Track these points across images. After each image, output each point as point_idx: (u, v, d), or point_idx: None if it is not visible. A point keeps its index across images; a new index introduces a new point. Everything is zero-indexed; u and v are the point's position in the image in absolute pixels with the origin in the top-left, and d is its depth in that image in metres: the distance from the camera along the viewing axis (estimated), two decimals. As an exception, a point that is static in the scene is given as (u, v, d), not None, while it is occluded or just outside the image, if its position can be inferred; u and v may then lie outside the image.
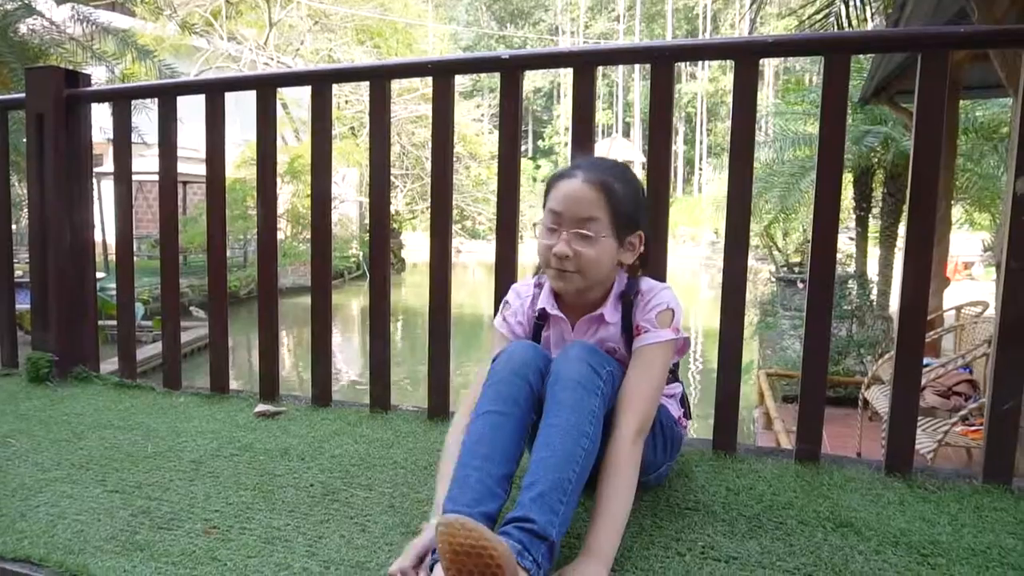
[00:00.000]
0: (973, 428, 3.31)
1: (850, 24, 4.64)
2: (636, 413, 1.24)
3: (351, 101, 19.50)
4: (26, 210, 2.47)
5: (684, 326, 1.37)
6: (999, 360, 1.55)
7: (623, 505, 1.16)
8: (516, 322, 1.44)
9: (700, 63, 33.17)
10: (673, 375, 1.47)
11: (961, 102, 5.85)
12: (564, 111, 37.13)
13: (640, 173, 1.58)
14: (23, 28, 7.14)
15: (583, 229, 1.27)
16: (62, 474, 1.57)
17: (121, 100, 2.34)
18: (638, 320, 1.33)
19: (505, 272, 1.88)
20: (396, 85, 17.90)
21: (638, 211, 1.35)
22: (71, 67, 2.97)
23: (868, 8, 4.67)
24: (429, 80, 1.95)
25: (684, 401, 1.54)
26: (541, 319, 1.42)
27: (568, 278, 1.30)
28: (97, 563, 1.18)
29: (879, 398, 3.76)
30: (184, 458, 1.67)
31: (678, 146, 37.50)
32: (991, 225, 10.21)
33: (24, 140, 2.37)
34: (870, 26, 5.03)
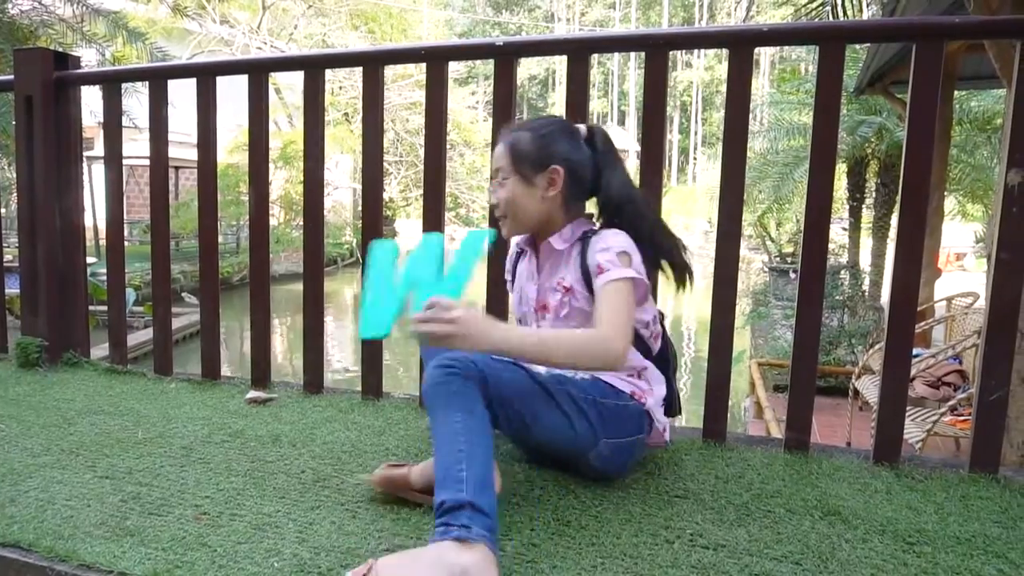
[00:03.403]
0: (962, 418, 3.34)
1: (845, 13, 4.63)
2: (605, 324, 1.29)
3: (345, 87, 19.36)
4: (15, 194, 2.45)
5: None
6: (987, 351, 1.56)
7: (543, 337, 1.30)
8: (509, 268, 1.67)
9: (696, 51, 33.09)
10: (651, 354, 1.51)
11: (956, 93, 5.85)
12: (559, 98, 36.97)
13: (635, 162, 1.60)
14: (12, 9, 7.04)
15: (496, 179, 1.48)
16: (52, 459, 1.57)
17: (111, 83, 2.32)
18: (597, 260, 1.36)
19: (498, 259, 1.87)
20: (390, 71, 17.72)
21: (544, 149, 1.43)
22: (61, 49, 2.93)
23: (864, -2, 4.65)
24: (423, 66, 1.93)
25: (668, 401, 1.54)
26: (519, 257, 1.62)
27: (504, 223, 1.48)
28: (87, 548, 1.18)
29: (869, 388, 3.78)
30: (175, 444, 1.66)
31: (673, 135, 37.45)
32: (983, 216, 10.26)
33: (13, 123, 2.34)
34: (866, 15, 5.01)
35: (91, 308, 2.55)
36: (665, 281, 1.51)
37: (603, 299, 1.33)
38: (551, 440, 1.38)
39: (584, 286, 1.41)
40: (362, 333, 1.24)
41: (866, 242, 8.67)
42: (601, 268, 1.35)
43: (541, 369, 1.34)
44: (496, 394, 1.24)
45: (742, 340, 7.87)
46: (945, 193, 6.08)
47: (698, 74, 36.89)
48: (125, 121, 2.36)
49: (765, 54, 30.41)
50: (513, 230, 1.50)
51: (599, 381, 1.42)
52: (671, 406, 1.56)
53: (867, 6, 4.83)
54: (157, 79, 2.22)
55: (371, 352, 2.05)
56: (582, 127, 1.51)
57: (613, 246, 1.37)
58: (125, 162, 2.38)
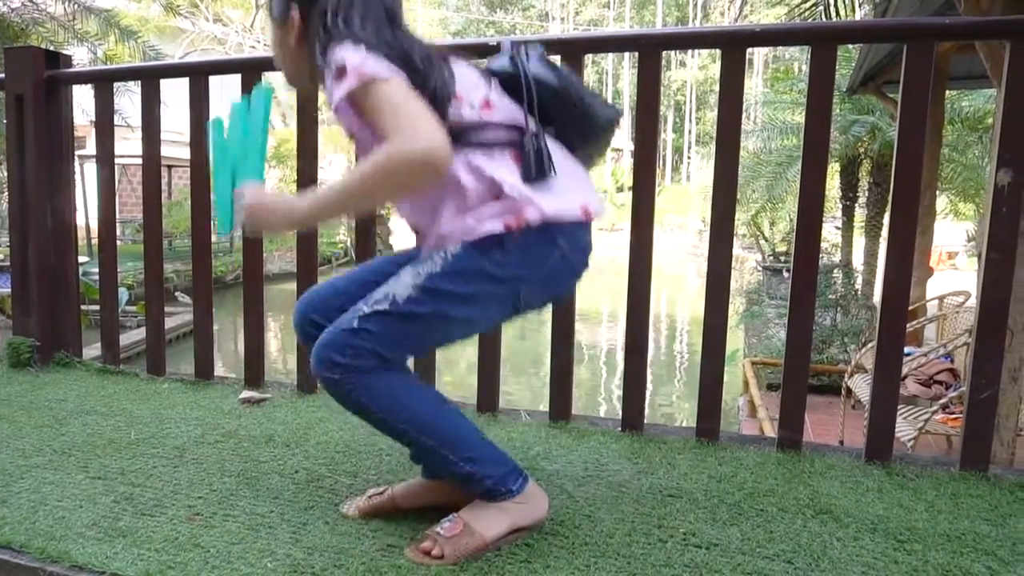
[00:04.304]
0: (953, 416, 3.36)
1: (838, 13, 4.64)
2: (389, 134, 1.06)
3: (339, 85, 19.30)
4: (7, 193, 2.44)
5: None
6: (978, 349, 1.57)
7: (345, 182, 1.11)
8: None
9: (690, 51, 33.12)
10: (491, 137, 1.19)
11: (947, 92, 5.88)
12: (553, 98, 36.86)
13: (629, 161, 1.59)
14: (3, 7, 7.00)
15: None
16: (44, 460, 1.56)
17: (103, 82, 2.31)
18: (332, 91, 1.14)
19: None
20: (384, 69, 17.63)
21: None
22: (52, 47, 2.92)
23: (856, -3, 4.67)
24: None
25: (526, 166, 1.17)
26: None
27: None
28: (79, 549, 1.17)
29: (862, 386, 3.80)
30: (168, 445, 1.66)
31: (667, 134, 37.51)
32: (975, 215, 10.31)
33: (4, 122, 2.33)
34: (858, 15, 5.04)
35: (83, 307, 2.54)
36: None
37: (367, 116, 1.11)
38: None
39: (348, 117, 1.18)
40: (220, 231, 1.30)
41: (859, 241, 8.71)
42: (334, 98, 1.13)
43: (408, 287, 1.15)
44: (397, 358, 1.19)
45: (736, 339, 7.89)
46: (937, 192, 6.11)
47: (692, 73, 36.95)
48: (117, 120, 2.36)
49: (759, 53, 30.50)
50: (289, 82, 1.33)
51: (468, 246, 1.16)
52: (536, 170, 1.17)
53: (859, 6, 4.85)
54: (150, 78, 2.22)
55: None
56: None
57: (331, 65, 1.13)
58: (117, 161, 2.37)
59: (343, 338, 1.14)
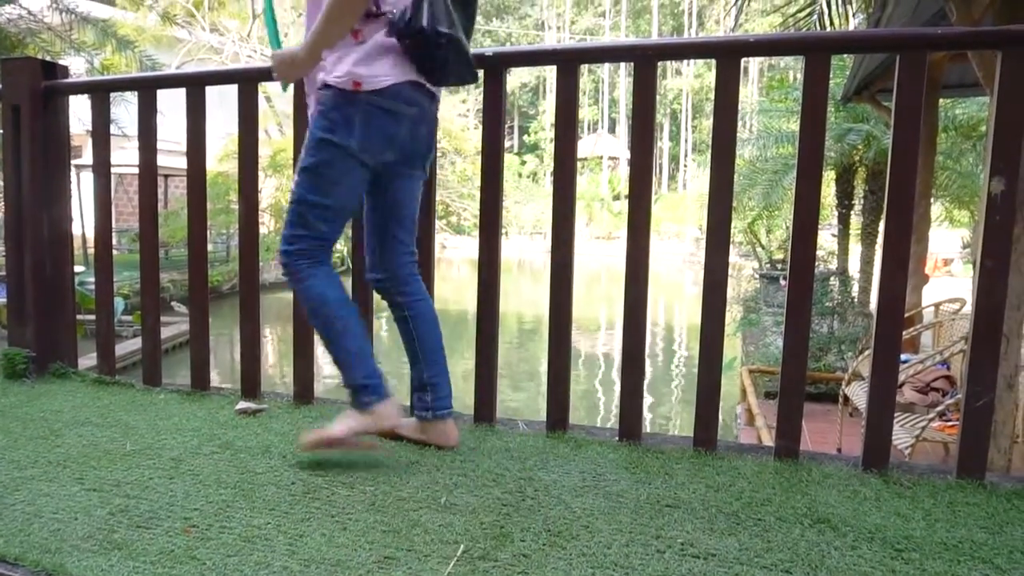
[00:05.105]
0: (950, 424, 3.36)
1: (832, 23, 4.67)
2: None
3: (336, 94, 19.33)
4: (2, 203, 2.44)
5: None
6: (974, 357, 1.57)
7: (315, 25, 1.49)
8: None
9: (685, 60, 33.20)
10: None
11: (941, 100, 5.91)
12: (550, 106, 37.11)
13: (625, 169, 1.60)
14: (-1, 17, 7.02)
15: None
16: (39, 472, 1.55)
17: (99, 92, 2.31)
18: None
19: (489, 268, 1.88)
20: (381, 79, 17.67)
21: None
22: (49, 57, 2.92)
23: (850, 7, 4.70)
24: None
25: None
26: None
27: None
28: (74, 562, 1.17)
29: (859, 394, 3.80)
30: (164, 456, 1.65)
31: (663, 142, 37.64)
32: (970, 222, 10.34)
33: (0, 132, 2.34)
34: (852, 25, 5.07)
35: (79, 317, 2.53)
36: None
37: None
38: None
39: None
40: (272, 46, 1.72)
41: (855, 248, 8.73)
42: None
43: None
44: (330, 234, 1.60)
45: (733, 347, 7.90)
46: (932, 199, 6.13)
47: (688, 82, 37.12)
48: (114, 129, 2.36)
49: (754, 62, 30.65)
50: None
51: (328, 92, 1.54)
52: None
53: (853, 16, 4.88)
54: (146, 88, 2.22)
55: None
56: None
57: None
58: (114, 170, 2.37)
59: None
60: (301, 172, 1.58)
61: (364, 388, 1.59)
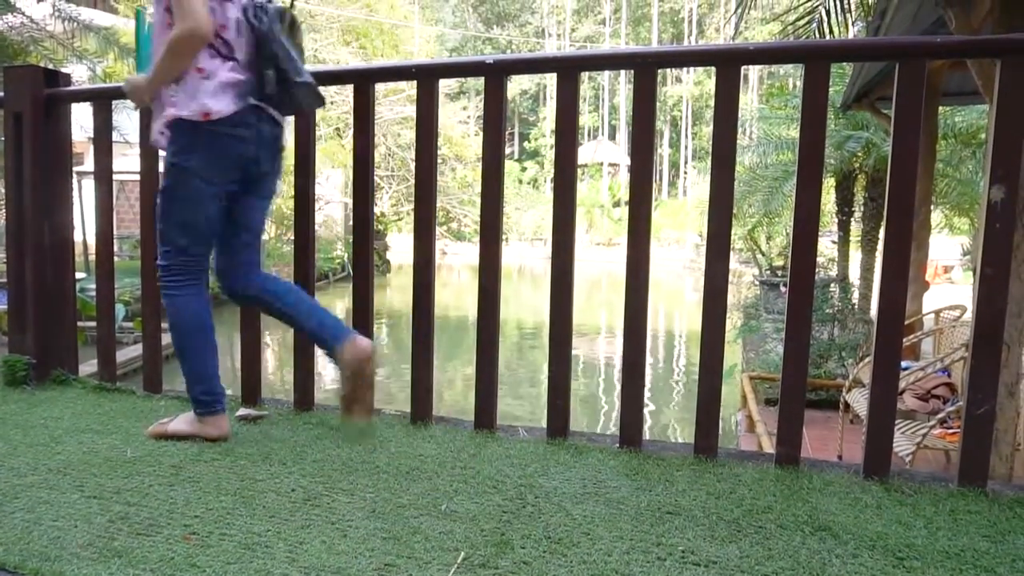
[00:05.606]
0: (951, 431, 3.35)
1: (832, 31, 4.69)
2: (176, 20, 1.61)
3: (336, 102, 19.40)
4: (4, 209, 2.45)
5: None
6: (974, 365, 1.57)
7: (155, 61, 1.68)
8: None
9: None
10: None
11: (940, 108, 5.93)
12: (550, 113, 37.18)
13: (626, 176, 1.61)
14: (2, 25, 7.04)
15: None
16: (39, 479, 1.55)
17: (102, 100, 2.32)
18: None
19: (489, 274, 1.88)
20: (382, 86, 17.82)
21: None
22: (51, 65, 2.93)
23: (849, 16, 4.72)
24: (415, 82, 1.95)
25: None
26: None
27: None
28: (74, 570, 1.17)
29: (860, 401, 3.80)
30: (164, 463, 1.65)
31: (663, 149, 37.70)
32: (970, 230, 10.36)
33: (3, 139, 2.34)
34: (852, 33, 5.09)
35: (80, 324, 2.53)
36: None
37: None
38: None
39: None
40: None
41: (855, 255, 8.74)
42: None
43: None
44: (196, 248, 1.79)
45: (734, 354, 7.89)
46: (932, 207, 6.14)
47: (688, 89, 37.20)
48: (116, 136, 2.37)
49: (754, 69, 30.74)
50: None
51: (179, 123, 1.70)
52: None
53: (852, 24, 4.90)
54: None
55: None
56: None
57: None
58: (115, 177, 2.38)
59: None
60: (159, 194, 1.79)
61: (199, 402, 1.82)
